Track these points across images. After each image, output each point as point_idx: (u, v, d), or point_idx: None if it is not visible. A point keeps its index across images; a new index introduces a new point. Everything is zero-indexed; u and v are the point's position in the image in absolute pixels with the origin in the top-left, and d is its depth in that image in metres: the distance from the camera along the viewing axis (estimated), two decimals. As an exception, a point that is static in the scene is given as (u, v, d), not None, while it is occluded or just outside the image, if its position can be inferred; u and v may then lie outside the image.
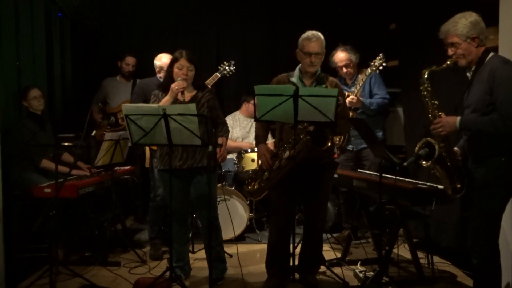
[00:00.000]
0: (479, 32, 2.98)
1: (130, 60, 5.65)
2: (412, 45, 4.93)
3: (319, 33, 3.63)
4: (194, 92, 3.82)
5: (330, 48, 5.14)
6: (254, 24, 6.41)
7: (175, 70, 3.72)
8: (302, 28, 3.77)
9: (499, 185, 2.95)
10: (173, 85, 3.67)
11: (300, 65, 3.71)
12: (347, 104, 4.62)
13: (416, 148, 3.19)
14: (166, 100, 3.68)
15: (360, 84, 4.73)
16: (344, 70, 4.92)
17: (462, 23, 2.98)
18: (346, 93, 4.80)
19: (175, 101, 3.70)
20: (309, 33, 3.63)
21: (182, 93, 3.68)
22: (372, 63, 4.62)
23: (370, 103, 4.80)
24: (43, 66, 5.20)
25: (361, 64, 4.95)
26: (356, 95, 4.70)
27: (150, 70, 4.84)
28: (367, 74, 4.68)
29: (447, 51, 3.08)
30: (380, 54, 4.60)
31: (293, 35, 3.87)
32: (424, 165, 3.14)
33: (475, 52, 3.01)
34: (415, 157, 3.14)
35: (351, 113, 4.73)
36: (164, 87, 3.78)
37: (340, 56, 4.92)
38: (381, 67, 4.62)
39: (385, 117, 5.31)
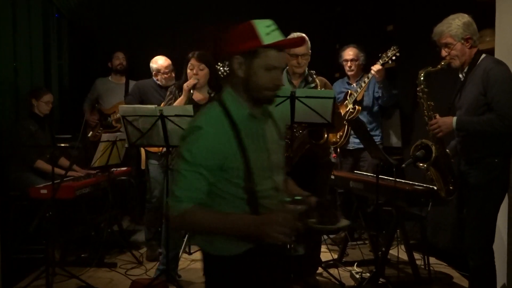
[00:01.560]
0: (472, 33, 2.99)
1: (119, 54, 5.65)
2: (409, 47, 4.93)
3: (304, 34, 3.66)
4: (209, 95, 3.78)
5: (328, 49, 5.16)
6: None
7: (188, 70, 3.74)
8: (300, 28, 3.77)
9: (494, 186, 2.95)
10: (184, 85, 3.68)
11: (287, 67, 3.74)
12: (373, 72, 4.59)
13: (412, 150, 3.19)
14: (181, 99, 3.69)
15: (369, 77, 4.68)
16: (349, 64, 4.89)
17: (456, 24, 2.99)
18: (349, 92, 4.80)
19: (190, 101, 3.68)
20: (294, 34, 3.66)
21: (193, 87, 3.66)
22: (384, 54, 4.56)
23: (390, 85, 4.77)
24: (41, 66, 5.20)
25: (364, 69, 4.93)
26: (382, 66, 4.60)
27: (147, 71, 4.83)
28: (381, 62, 4.59)
29: (441, 52, 3.09)
30: (393, 46, 4.52)
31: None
32: (421, 167, 3.14)
33: (468, 53, 3.02)
34: (412, 159, 3.14)
35: (357, 107, 4.72)
36: (180, 86, 3.78)
37: (349, 51, 4.91)
38: (394, 57, 4.54)
39: (383, 117, 5.29)
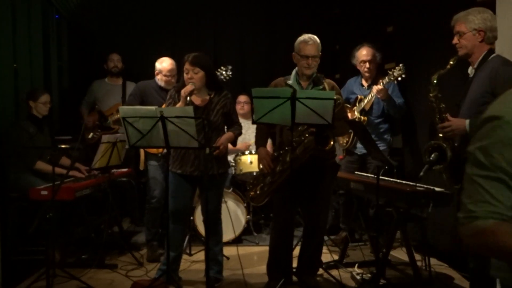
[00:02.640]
0: (487, 28, 2.96)
1: (113, 56, 5.65)
2: (410, 48, 4.93)
3: (315, 36, 3.65)
4: (208, 97, 3.77)
5: (328, 50, 5.13)
6: (252, 26, 6.42)
7: (184, 74, 3.71)
8: (299, 30, 3.78)
9: None
10: (182, 91, 3.66)
11: (296, 67, 3.73)
12: (374, 92, 4.56)
13: (424, 154, 3.15)
14: (179, 105, 3.66)
15: (372, 94, 4.64)
16: (367, 65, 4.79)
17: (473, 15, 2.98)
18: (359, 97, 4.78)
19: (188, 105, 3.64)
20: (305, 36, 3.65)
21: (191, 94, 3.64)
22: (391, 73, 4.45)
23: (396, 97, 4.71)
24: (40, 67, 5.20)
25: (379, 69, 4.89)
26: (384, 86, 4.51)
27: (147, 72, 4.84)
28: (384, 83, 4.49)
29: (453, 39, 3.08)
30: (400, 65, 4.40)
31: (290, 37, 3.88)
32: (438, 169, 3.09)
33: (478, 47, 3.00)
34: (428, 164, 3.09)
35: (362, 118, 4.69)
36: (178, 90, 3.75)
37: (363, 51, 4.82)
38: (399, 78, 4.42)
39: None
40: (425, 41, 4.54)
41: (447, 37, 3.20)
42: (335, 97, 3.25)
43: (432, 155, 3.09)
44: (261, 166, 3.74)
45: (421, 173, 3.12)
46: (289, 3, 6.35)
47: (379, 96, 4.57)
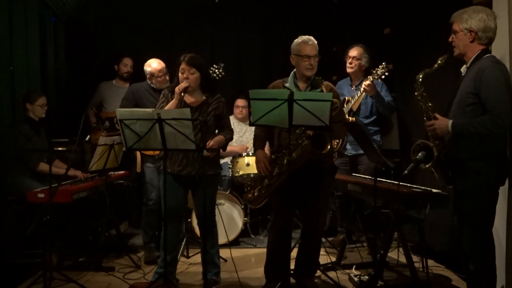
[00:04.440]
0: (480, 29, 2.94)
1: (127, 60, 5.69)
2: (407, 50, 4.94)
3: (312, 37, 3.66)
4: (202, 98, 3.79)
5: (325, 52, 5.16)
6: (249, 28, 6.42)
7: (179, 74, 3.72)
8: (297, 32, 3.78)
9: (483, 190, 2.93)
10: (176, 88, 3.67)
11: (294, 70, 3.72)
12: (363, 87, 4.61)
13: (411, 152, 3.16)
14: (172, 102, 3.67)
15: (361, 91, 4.68)
16: (350, 60, 4.87)
17: (468, 14, 2.97)
18: (346, 98, 4.80)
19: (183, 104, 3.67)
20: (303, 37, 3.65)
21: (185, 91, 3.65)
22: (374, 71, 4.54)
23: (385, 95, 4.77)
24: (37, 70, 5.19)
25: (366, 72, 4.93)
26: (372, 82, 4.58)
27: (144, 74, 4.83)
28: (369, 79, 4.58)
29: (450, 37, 3.09)
30: (383, 63, 4.50)
31: (287, 39, 3.88)
32: (424, 168, 3.10)
33: (469, 47, 2.99)
34: (414, 163, 3.09)
35: (350, 118, 4.71)
36: (172, 89, 3.76)
37: (354, 50, 4.90)
38: (383, 76, 4.53)
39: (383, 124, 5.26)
40: (422, 43, 4.55)
41: (444, 39, 3.20)
42: (332, 99, 3.25)
43: (420, 154, 3.09)
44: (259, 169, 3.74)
45: (406, 171, 3.11)
46: (286, 6, 6.36)
47: (368, 92, 4.62)
